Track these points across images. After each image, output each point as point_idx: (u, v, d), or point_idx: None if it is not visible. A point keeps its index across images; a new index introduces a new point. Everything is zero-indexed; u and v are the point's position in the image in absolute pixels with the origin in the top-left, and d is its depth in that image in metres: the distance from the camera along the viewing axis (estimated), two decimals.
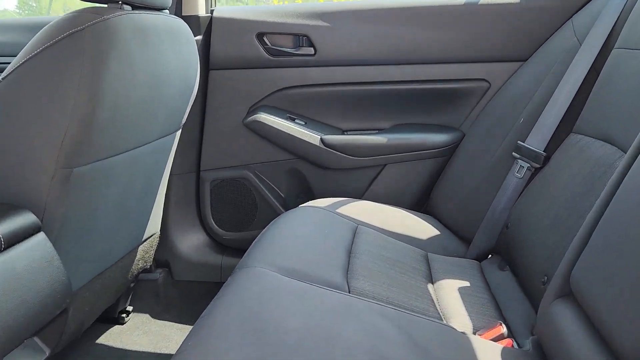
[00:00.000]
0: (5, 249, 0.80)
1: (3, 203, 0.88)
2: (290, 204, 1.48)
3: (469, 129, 1.36)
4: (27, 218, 0.85)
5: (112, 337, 1.36)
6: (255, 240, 1.06)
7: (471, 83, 1.35)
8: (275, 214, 1.47)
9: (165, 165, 1.26)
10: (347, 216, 1.21)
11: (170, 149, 1.26)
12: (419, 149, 1.37)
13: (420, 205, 1.42)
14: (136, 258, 1.30)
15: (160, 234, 1.42)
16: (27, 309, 0.83)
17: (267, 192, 1.46)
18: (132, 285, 1.41)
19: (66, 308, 0.99)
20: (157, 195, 1.29)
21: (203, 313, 0.74)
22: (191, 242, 1.51)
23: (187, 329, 1.42)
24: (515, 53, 1.31)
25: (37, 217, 0.87)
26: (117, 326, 1.41)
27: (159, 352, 1.33)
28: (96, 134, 0.88)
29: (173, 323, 1.43)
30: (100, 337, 1.35)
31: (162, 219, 1.42)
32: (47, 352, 1.02)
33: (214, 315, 0.71)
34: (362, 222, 1.20)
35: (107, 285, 1.18)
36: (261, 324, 0.67)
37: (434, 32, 1.33)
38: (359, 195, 1.42)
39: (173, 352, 1.34)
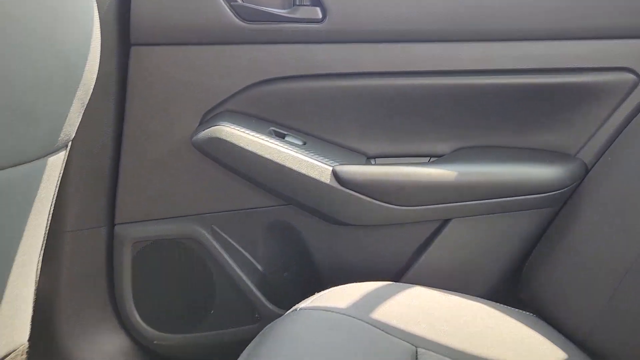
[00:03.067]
0: None
1: None
2: (273, 284, 0.86)
3: (598, 156, 0.77)
4: None
5: None
6: None
7: (603, 75, 0.76)
8: (246, 303, 0.84)
9: (27, 221, 0.62)
10: (394, 327, 0.61)
11: (36, 190, 0.62)
12: (508, 192, 0.77)
13: (505, 288, 0.82)
14: None
15: (43, 339, 0.78)
16: None
17: (232, 263, 0.83)
18: None
19: None
20: (12, 280, 0.65)
21: None
22: (98, 350, 0.86)
23: None
24: None
25: None
26: None
27: None
28: None
29: None
30: None
31: (44, 311, 0.78)
32: None
33: None
34: (423, 338, 0.61)
35: None
36: None
37: None
38: (400, 274, 0.81)
39: None
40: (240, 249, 0.84)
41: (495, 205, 0.77)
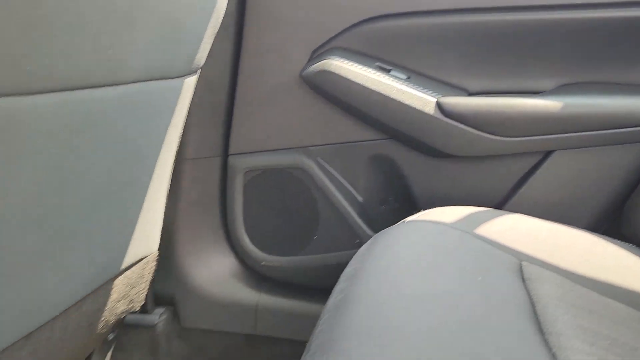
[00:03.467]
0: None
1: None
2: (371, 213, 0.90)
3: None
4: None
5: None
6: (337, 292, 0.50)
7: None
8: (347, 230, 0.89)
9: (165, 137, 0.71)
10: (498, 242, 0.64)
11: (174, 108, 0.70)
12: (615, 124, 0.77)
13: (607, 223, 0.82)
14: (111, 299, 0.75)
15: (163, 255, 0.87)
16: None
17: (336, 192, 0.88)
18: (111, 336, 0.86)
19: None
20: (151, 190, 0.73)
21: None
22: (210, 269, 0.94)
23: None
24: None
25: None
26: None
27: None
28: None
29: None
30: None
31: (166, 229, 0.87)
32: None
33: None
34: (527, 254, 0.63)
35: (53, 345, 0.64)
36: None
37: None
38: (499, 206, 0.83)
39: None
40: (343, 180, 0.89)
41: (601, 137, 0.77)
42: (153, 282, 0.87)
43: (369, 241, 0.63)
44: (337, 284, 0.53)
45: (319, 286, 0.91)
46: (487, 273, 0.56)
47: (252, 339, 0.94)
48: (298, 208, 0.90)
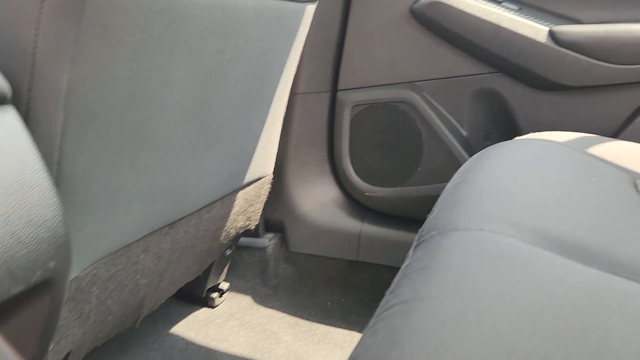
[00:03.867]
0: None
1: None
2: (475, 149, 0.92)
3: None
4: None
5: (195, 326, 0.91)
6: (455, 178, 0.53)
7: None
8: (451, 162, 0.91)
9: (287, 60, 0.77)
10: (611, 162, 0.64)
11: (296, 33, 0.75)
12: None
13: None
14: (233, 211, 0.83)
15: (274, 182, 0.94)
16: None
17: (441, 125, 0.91)
18: (228, 252, 0.95)
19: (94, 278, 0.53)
20: (272, 111, 0.80)
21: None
22: (317, 199, 1.01)
23: (301, 325, 0.93)
24: None
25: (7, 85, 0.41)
26: (203, 310, 0.96)
27: (258, 357, 0.86)
28: None
29: (283, 314, 0.96)
30: (178, 325, 0.91)
31: (277, 159, 0.94)
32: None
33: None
34: (638, 173, 0.63)
35: (188, 240, 0.73)
36: None
37: None
38: (612, 136, 0.82)
39: (278, 357, 0.86)
40: (447, 114, 0.91)
41: None
42: (264, 210, 0.95)
43: (479, 153, 0.65)
44: (454, 176, 0.56)
45: (420, 216, 0.94)
46: (601, 177, 0.57)
47: (354, 264, 1.00)
48: (403, 141, 0.94)
